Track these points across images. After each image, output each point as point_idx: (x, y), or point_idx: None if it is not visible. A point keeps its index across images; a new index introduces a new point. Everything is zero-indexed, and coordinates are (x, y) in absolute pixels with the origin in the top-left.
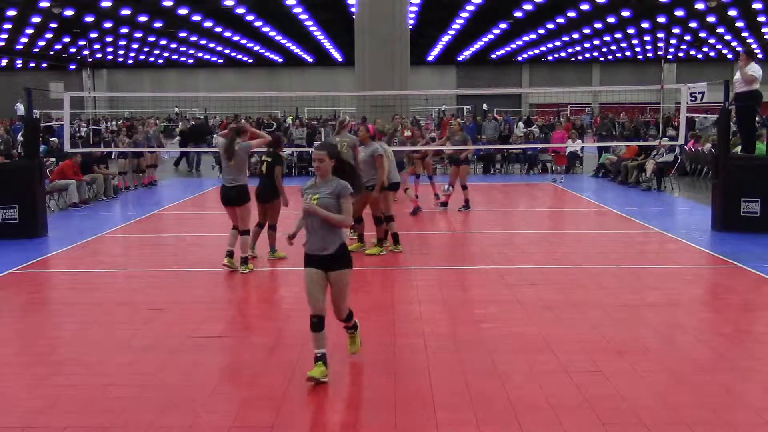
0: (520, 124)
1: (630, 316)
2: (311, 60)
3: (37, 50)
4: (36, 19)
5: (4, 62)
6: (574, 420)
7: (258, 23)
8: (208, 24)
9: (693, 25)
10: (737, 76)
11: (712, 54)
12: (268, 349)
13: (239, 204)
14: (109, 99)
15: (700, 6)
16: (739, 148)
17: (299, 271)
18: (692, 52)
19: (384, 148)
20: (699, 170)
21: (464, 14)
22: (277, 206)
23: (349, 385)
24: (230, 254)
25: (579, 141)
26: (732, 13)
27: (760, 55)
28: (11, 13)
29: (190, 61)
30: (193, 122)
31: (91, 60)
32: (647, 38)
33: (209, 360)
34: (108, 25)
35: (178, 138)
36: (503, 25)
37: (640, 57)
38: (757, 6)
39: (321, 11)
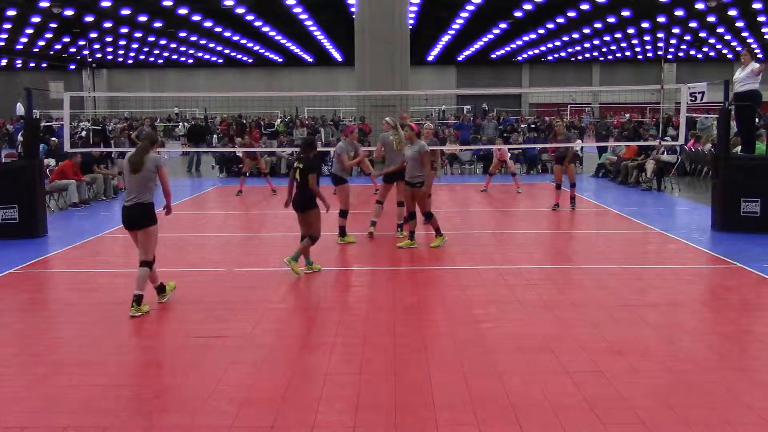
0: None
1: (630, 316)
2: (311, 60)
3: (37, 50)
4: (36, 19)
5: (4, 62)
6: (574, 420)
7: (258, 23)
8: (208, 24)
9: (693, 25)
10: (737, 75)
11: (712, 54)
12: (268, 350)
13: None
14: (109, 99)
15: (700, 6)
16: (739, 148)
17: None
18: (692, 52)
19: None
20: (699, 170)
21: (464, 14)
22: (315, 215)
23: (349, 385)
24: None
25: (579, 141)
26: (732, 13)
27: (760, 55)
28: (11, 13)
29: (190, 61)
30: (193, 122)
31: (91, 60)
32: (647, 38)
33: (209, 360)
34: (108, 25)
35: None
36: (503, 25)
37: (640, 57)
38: (757, 6)
39: (321, 11)
